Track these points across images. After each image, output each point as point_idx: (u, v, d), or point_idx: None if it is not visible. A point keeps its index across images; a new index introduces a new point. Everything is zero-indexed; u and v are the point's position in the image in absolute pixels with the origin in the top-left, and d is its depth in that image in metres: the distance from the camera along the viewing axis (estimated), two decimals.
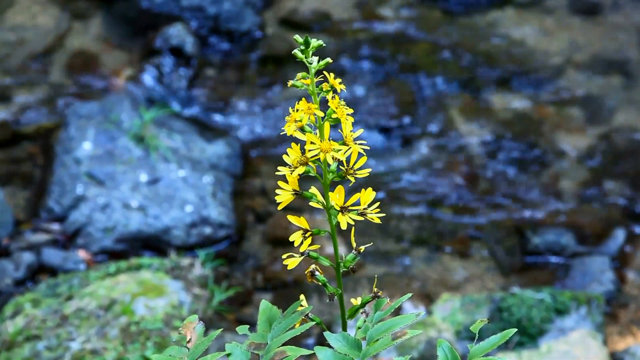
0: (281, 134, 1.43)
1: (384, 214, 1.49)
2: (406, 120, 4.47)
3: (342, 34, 4.93)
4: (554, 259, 3.90)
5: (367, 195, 1.48)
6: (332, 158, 1.44)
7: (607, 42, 4.90)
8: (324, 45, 1.46)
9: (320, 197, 1.49)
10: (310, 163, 1.46)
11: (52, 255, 3.73)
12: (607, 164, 4.28)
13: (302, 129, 1.45)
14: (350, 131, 1.46)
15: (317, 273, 1.53)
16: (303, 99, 1.45)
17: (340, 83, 1.46)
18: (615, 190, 4.15)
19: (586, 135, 4.41)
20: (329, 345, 1.45)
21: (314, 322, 1.54)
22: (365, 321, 1.53)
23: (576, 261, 3.83)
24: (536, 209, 4.07)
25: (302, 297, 1.56)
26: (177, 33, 4.72)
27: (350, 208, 1.48)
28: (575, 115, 4.52)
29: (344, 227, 1.47)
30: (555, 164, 4.28)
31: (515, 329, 1.49)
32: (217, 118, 4.50)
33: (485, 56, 4.82)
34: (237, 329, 1.53)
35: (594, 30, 4.97)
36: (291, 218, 1.49)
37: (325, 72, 1.45)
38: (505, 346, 3.24)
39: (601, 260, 3.79)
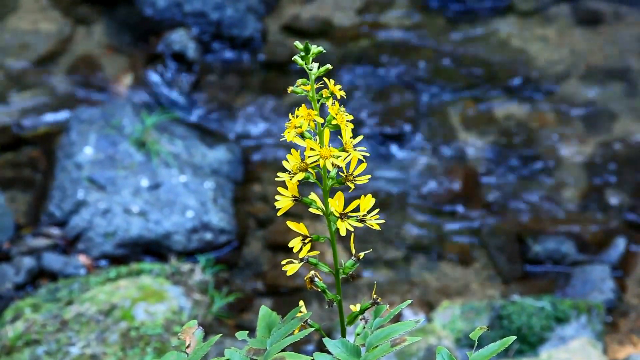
0: (281, 140, 1.44)
1: (383, 221, 1.49)
2: (407, 127, 4.47)
3: (344, 41, 4.94)
4: (554, 267, 3.89)
5: (367, 201, 1.48)
6: (332, 164, 1.44)
7: (609, 51, 4.90)
8: (324, 51, 1.47)
9: (319, 204, 1.49)
10: (309, 169, 1.46)
11: (53, 260, 3.73)
12: (608, 172, 4.28)
13: (302, 135, 1.45)
14: (350, 138, 1.46)
15: (316, 279, 1.53)
16: (303, 105, 1.45)
17: (340, 89, 1.46)
18: (616, 199, 4.15)
19: (587, 143, 4.42)
20: (328, 352, 1.45)
21: (313, 329, 1.54)
22: (364, 328, 1.52)
23: (577, 269, 3.83)
24: (537, 217, 4.07)
25: (301, 303, 1.56)
26: (179, 39, 4.73)
27: (349, 214, 1.48)
28: (577, 123, 4.52)
29: (343, 233, 1.47)
30: (556, 172, 4.28)
31: (515, 337, 1.49)
32: (219, 124, 4.51)
33: (486, 64, 4.82)
34: (237, 334, 1.53)
35: (596, 39, 4.97)
36: (291, 224, 1.49)
37: (325, 79, 1.46)
38: (505, 354, 3.24)
39: (602, 269, 3.79)
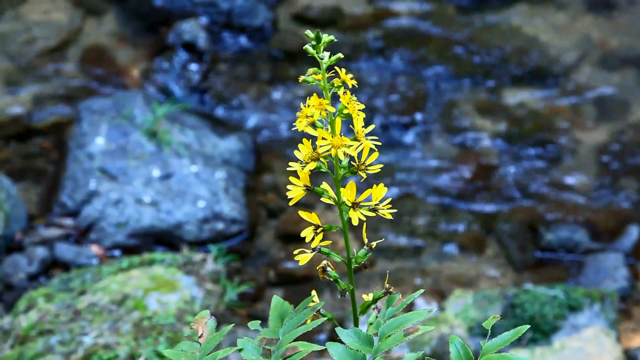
0: (293, 129, 1.43)
1: (395, 210, 1.49)
2: (418, 116, 4.46)
3: (355, 30, 4.92)
4: (567, 256, 3.88)
5: (379, 191, 1.47)
6: (344, 154, 1.44)
7: (622, 38, 4.87)
8: (335, 40, 1.46)
9: (331, 193, 1.49)
10: (321, 159, 1.46)
11: (65, 250, 3.75)
12: (621, 160, 4.26)
13: (313, 125, 1.45)
14: (362, 127, 1.45)
15: (328, 269, 1.53)
16: (314, 94, 1.44)
17: (351, 78, 1.45)
18: (629, 187, 4.13)
19: (600, 131, 4.39)
20: (340, 341, 1.45)
21: (325, 318, 1.54)
22: (377, 317, 1.52)
23: (590, 258, 3.82)
24: (550, 205, 4.06)
25: (313, 292, 1.56)
26: (190, 28, 4.72)
27: (361, 204, 1.47)
28: (589, 111, 4.50)
29: (355, 223, 1.46)
30: (568, 160, 4.26)
31: (528, 326, 1.48)
32: (230, 113, 4.51)
33: (498, 52, 4.80)
34: (249, 324, 1.53)
35: (608, 25, 4.94)
36: (302, 214, 1.49)
37: (336, 68, 1.45)
38: (517, 343, 3.23)
39: (615, 257, 3.77)
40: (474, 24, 4.97)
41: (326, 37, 1.45)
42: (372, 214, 1.47)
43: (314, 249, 1.50)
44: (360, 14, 5.02)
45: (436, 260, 3.85)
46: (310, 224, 1.49)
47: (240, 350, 1.47)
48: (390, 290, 1.55)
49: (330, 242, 1.51)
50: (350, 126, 1.46)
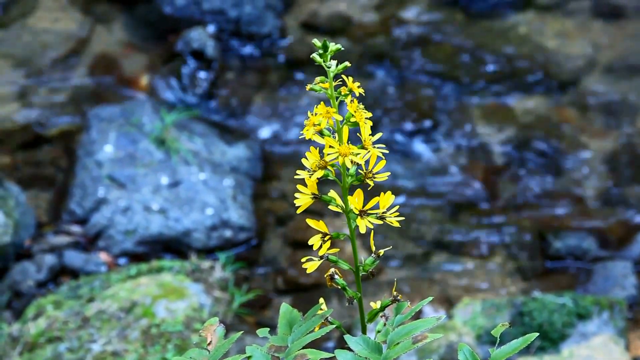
0: (300, 137, 1.44)
1: (403, 218, 1.49)
2: (427, 123, 4.46)
3: (363, 37, 4.93)
4: (575, 264, 3.87)
5: (387, 198, 1.48)
6: (351, 162, 1.44)
7: (630, 46, 4.86)
8: (342, 49, 1.46)
9: (339, 201, 1.49)
10: (329, 167, 1.46)
11: (74, 258, 3.76)
12: (629, 167, 4.25)
13: (320, 133, 1.45)
14: (369, 135, 1.46)
15: (336, 277, 1.53)
16: (322, 102, 1.45)
17: (359, 87, 1.46)
18: (637, 194, 4.12)
19: (608, 138, 4.39)
20: (349, 349, 1.45)
21: (334, 326, 1.54)
22: (385, 325, 1.52)
23: (598, 265, 3.81)
24: (558, 213, 4.05)
25: (321, 300, 1.56)
26: (198, 36, 4.74)
27: (369, 212, 1.48)
28: (597, 118, 4.49)
29: (363, 230, 1.47)
30: (577, 168, 4.26)
31: (537, 334, 1.48)
32: (238, 121, 4.52)
33: (506, 59, 4.80)
34: (258, 331, 1.54)
35: (617, 33, 4.94)
36: (310, 222, 1.49)
37: (344, 76, 1.45)
38: (526, 351, 3.23)
39: (623, 265, 3.76)
40: (483, 31, 4.97)
41: (333, 46, 1.46)
42: (380, 222, 1.47)
43: (321, 257, 1.50)
44: (368, 22, 5.03)
45: (444, 268, 3.84)
46: (318, 232, 1.49)
47: (249, 357, 1.47)
48: (399, 298, 1.55)
49: (338, 249, 1.51)
50: (358, 134, 1.47)
